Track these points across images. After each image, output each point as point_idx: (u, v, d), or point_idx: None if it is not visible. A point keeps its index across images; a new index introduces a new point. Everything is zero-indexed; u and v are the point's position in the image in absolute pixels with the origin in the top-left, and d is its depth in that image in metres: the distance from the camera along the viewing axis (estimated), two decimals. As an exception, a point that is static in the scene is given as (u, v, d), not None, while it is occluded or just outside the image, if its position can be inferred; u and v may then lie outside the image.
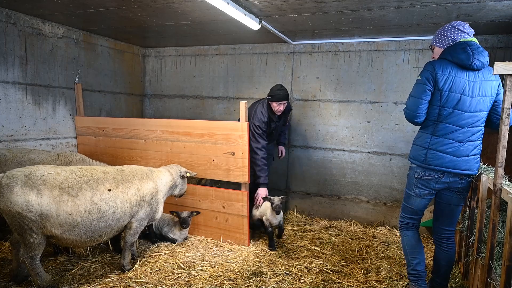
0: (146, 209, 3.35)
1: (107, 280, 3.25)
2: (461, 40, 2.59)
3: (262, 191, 4.31)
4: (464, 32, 2.61)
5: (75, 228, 2.92)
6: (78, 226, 2.92)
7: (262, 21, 4.10)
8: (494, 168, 2.32)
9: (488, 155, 3.84)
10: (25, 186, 2.77)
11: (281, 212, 4.11)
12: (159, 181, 3.50)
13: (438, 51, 2.72)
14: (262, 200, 4.25)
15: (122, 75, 5.87)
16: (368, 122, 5.02)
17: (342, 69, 5.11)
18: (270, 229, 4.13)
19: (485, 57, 2.53)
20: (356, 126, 5.08)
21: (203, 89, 6.01)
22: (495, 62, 2.17)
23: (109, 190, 3.09)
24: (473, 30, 2.67)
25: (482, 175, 2.64)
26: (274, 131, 4.56)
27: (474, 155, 2.60)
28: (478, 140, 2.61)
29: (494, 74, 2.18)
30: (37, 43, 4.48)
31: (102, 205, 3.02)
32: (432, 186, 2.65)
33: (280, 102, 4.29)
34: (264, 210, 4.24)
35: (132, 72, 6.11)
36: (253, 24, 3.99)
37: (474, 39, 2.61)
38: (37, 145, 4.53)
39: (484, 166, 2.94)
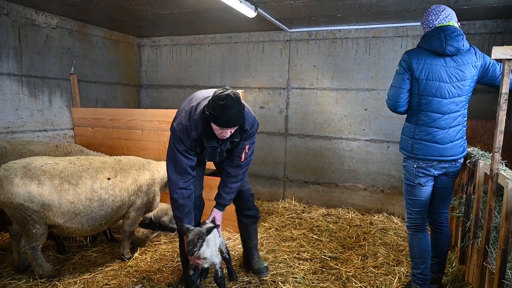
0: (143, 199, 3.37)
1: (108, 268, 3.28)
2: (437, 25, 2.54)
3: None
4: (445, 16, 2.54)
5: (77, 216, 2.94)
6: (80, 214, 2.95)
7: (258, 9, 4.06)
8: (491, 154, 2.32)
9: (485, 141, 3.86)
10: (25, 177, 2.78)
11: (211, 251, 2.61)
12: (156, 173, 3.50)
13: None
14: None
15: (117, 66, 5.82)
16: (366, 110, 5.01)
17: (339, 57, 5.08)
18: (191, 271, 2.71)
19: (459, 42, 2.46)
20: (354, 114, 5.07)
21: (200, 78, 5.97)
22: (493, 47, 2.16)
23: (108, 179, 3.11)
24: (454, 14, 2.59)
25: (479, 160, 2.65)
26: (211, 157, 2.78)
27: (458, 139, 2.60)
28: (460, 125, 2.60)
29: (493, 59, 2.17)
30: (31, 33, 4.42)
31: (102, 194, 3.04)
32: (432, 173, 2.65)
33: (223, 128, 2.43)
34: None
35: (128, 63, 6.05)
36: (248, 11, 3.94)
37: (452, 23, 2.54)
38: (34, 137, 4.52)
39: (482, 152, 2.95)
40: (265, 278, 3.15)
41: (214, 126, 2.44)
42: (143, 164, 3.45)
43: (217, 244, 2.73)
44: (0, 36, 4.09)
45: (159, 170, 3.54)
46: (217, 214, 2.87)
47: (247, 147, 2.78)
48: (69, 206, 2.89)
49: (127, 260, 3.43)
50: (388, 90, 2.72)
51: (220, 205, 2.87)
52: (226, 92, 2.37)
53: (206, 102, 2.52)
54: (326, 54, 5.14)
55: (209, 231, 2.51)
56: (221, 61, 5.78)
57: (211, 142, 2.59)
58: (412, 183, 2.70)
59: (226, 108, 2.33)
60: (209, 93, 2.65)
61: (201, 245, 2.47)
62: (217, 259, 2.70)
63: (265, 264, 3.23)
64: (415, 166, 2.65)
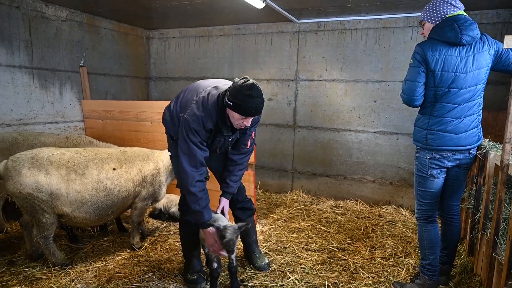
0: (149, 189, 3.41)
1: (119, 257, 3.35)
2: (448, 15, 2.51)
3: (208, 238, 2.61)
4: (455, 6, 2.51)
5: (84, 205, 3.01)
6: (87, 204, 3.01)
7: (267, -1, 4.04)
8: (501, 145, 2.30)
9: (496, 133, 3.80)
10: (32, 167, 2.84)
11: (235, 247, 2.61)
12: (160, 162, 3.51)
13: (429, 27, 2.62)
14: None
15: (126, 58, 5.86)
16: (375, 101, 4.97)
17: (348, 48, 5.03)
18: (215, 265, 2.73)
19: (474, 31, 2.44)
20: (363, 106, 5.04)
21: (208, 70, 5.97)
22: (506, 36, 2.12)
23: (114, 169, 3.17)
24: (462, 4, 2.56)
25: (490, 152, 2.62)
26: (222, 147, 2.75)
27: (473, 128, 2.59)
28: (475, 114, 2.59)
29: (505, 48, 2.14)
30: (41, 26, 4.47)
31: (108, 184, 3.10)
32: (446, 165, 2.63)
33: (247, 118, 2.45)
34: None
35: (137, 55, 6.09)
36: (257, 2, 3.92)
37: (462, 12, 2.51)
38: (45, 129, 4.59)
39: (492, 143, 2.92)
40: (274, 267, 3.18)
41: (235, 116, 2.41)
42: (147, 155, 3.48)
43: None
44: (11, 29, 4.14)
45: (162, 159, 3.54)
46: (226, 203, 2.93)
47: (253, 133, 2.86)
48: (76, 195, 2.95)
49: (137, 250, 3.49)
50: (402, 84, 2.67)
51: (228, 194, 2.90)
52: (250, 81, 2.36)
53: (217, 91, 2.51)
54: (335, 45, 5.10)
55: (240, 228, 2.57)
56: (229, 53, 5.77)
57: (226, 132, 2.58)
58: (425, 174, 2.68)
59: (252, 98, 2.34)
60: (214, 82, 2.63)
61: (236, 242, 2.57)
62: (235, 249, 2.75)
63: (267, 261, 3.20)
64: (428, 157, 2.63)
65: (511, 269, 1.92)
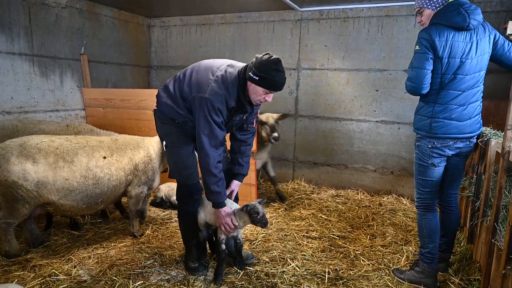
0: (141, 177, 3.38)
1: (121, 244, 3.37)
2: (450, 0, 2.47)
3: (222, 217, 2.65)
4: None
5: (72, 193, 2.99)
6: (75, 191, 3.00)
7: (268, -14, 3.99)
8: (503, 133, 2.29)
9: (497, 122, 3.79)
10: (21, 155, 2.83)
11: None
12: (151, 148, 3.46)
13: (429, 13, 2.56)
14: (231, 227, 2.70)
15: (127, 46, 5.83)
16: (377, 90, 4.95)
17: (351, 37, 4.99)
18: (223, 246, 2.79)
19: (479, 15, 2.42)
20: (364, 95, 5.02)
21: (209, 59, 5.92)
22: (510, 22, 2.11)
23: (104, 157, 3.16)
24: None
25: (491, 139, 2.62)
26: (235, 126, 2.77)
27: (476, 115, 2.59)
28: (478, 101, 2.58)
29: (508, 34, 2.12)
30: (41, 13, 4.43)
31: (97, 172, 3.09)
32: (447, 153, 2.62)
33: (273, 92, 2.50)
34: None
35: (137, 43, 6.05)
36: (259, -11, 3.88)
37: None
38: (46, 117, 4.59)
39: (494, 131, 2.91)
40: (274, 254, 3.21)
41: (259, 90, 2.45)
42: (138, 142, 3.45)
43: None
44: (10, 15, 4.11)
45: (153, 145, 3.48)
46: (237, 186, 2.93)
47: (258, 112, 2.92)
48: (63, 183, 2.93)
49: (138, 237, 3.52)
50: (408, 72, 2.58)
51: (241, 175, 2.91)
52: (275, 57, 2.40)
53: (234, 69, 2.53)
54: (337, 34, 5.05)
55: (261, 202, 2.68)
56: (231, 41, 5.73)
57: (248, 109, 2.61)
58: (425, 163, 2.65)
59: (279, 72, 2.40)
60: (225, 61, 2.61)
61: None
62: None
63: (250, 252, 3.16)
64: (429, 146, 2.60)
65: (510, 254, 1.93)
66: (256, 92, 2.47)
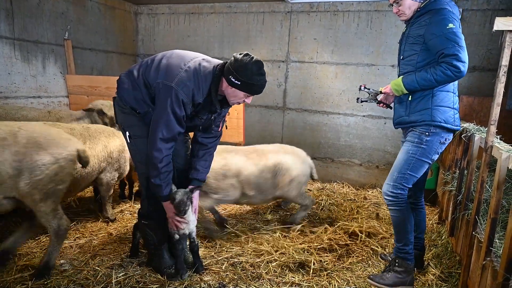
0: (114, 165, 3.46)
1: (103, 234, 3.33)
2: None
3: (167, 211, 2.53)
4: None
5: None
6: None
7: (259, -24, 3.94)
8: (486, 129, 2.34)
9: (481, 118, 3.87)
10: None
11: (192, 215, 2.62)
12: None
13: (411, 4, 2.45)
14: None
15: (113, 33, 5.69)
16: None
17: (340, 30, 4.99)
18: (176, 236, 2.65)
19: None
20: (352, 89, 5.04)
21: (198, 49, 5.84)
22: (496, 18, 2.12)
23: None
24: None
25: (474, 134, 2.66)
26: (199, 126, 2.57)
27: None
28: None
29: (494, 30, 2.14)
30: (23, -5, 4.28)
31: None
32: (441, 150, 2.53)
33: (251, 96, 2.42)
34: None
35: (124, 31, 5.92)
36: (249, -22, 3.83)
37: None
38: (28, 103, 4.46)
39: (477, 127, 2.97)
40: (259, 245, 3.21)
41: (240, 94, 2.33)
42: (113, 131, 3.54)
43: (193, 216, 2.68)
44: (-9, -3, 3.96)
45: None
46: (196, 196, 2.68)
47: (227, 115, 2.74)
48: None
49: (112, 222, 3.58)
50: (460, 52, 2.26)
51: (198, 181, 2.63)
52: (256, 58, 2.27)
53: (210, 64, 2.38)
54: (327, 27, 5.05)
55: (191, 191, 2.51)
56: (220, 32, 5.66)
57: (213, 109, 2.44)
58: (427, 159, 2.48)
59: (262, 76, 2.29)
60: (199, 55, 2.47)
61: (189, 205, 2.51)
62: (194, 226, 2.70)
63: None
64: (441, 141, 2.45)
65: (490, 246, 1.98)
66: (236, 95, 2.36)
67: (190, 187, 2.57)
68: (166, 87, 2.27)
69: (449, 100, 2.43)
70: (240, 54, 2.32)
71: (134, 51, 6.20)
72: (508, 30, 2.09)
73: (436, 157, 2.51)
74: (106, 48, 5.58)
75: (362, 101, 2.85)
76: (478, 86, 4.45)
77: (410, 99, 2.50)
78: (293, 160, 3.48)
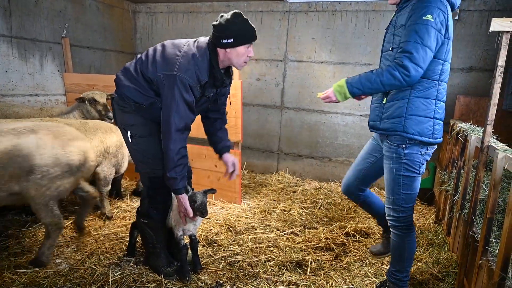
0: (111, 160, 3.53)
1: (100, 232, 3.33)
2: None
3: (180, 204, 2.44)
4: None
5: None
6: None
7: (258, -25, 3.94)
8: (482, 129, 2.35)
9: (477, 118, 3.89)
10: None
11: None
12: None
13: None
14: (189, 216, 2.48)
15: (111, 32, 5.68)
16: (362, 85, 4.98)
17: (338, 30, 5.00)
18: (182, 242, 2.68)
19: None
20: (350, 89, 5.04)
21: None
22: (493, 19, 2.13)
23: None
24: None
25: (471, 134, 2.68)
26: (206, 105, 2.58)
27: None
28: None
29: (491, 31, 2.15)
30: (21, -7, 4.26)
31: None
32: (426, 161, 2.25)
33: (251, 44, 2.37)
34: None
35: (122, 29, 5.90)
36: (248, -23, 3.83)
37: None
38: (25, 101, 4.44)
39: (474, 127, 2.98)
40: (257, 244, 3.21)
41: (241, 50, 2.30)
42: (110, 127, 3.59)
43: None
44: (-12, -6, 3.94)
45: None
46: (232, 156, 2.75)
47: (229, 93, 2.78)
48: None
49: (108, 219, 3.59)
50: (416, 49, 1.93)
51: (228, 148, 2.76)
52: (231, 12, 2.30)
53: (202, 41, 2.38)
54: (325, 27, 5.05)
55: (206, 192, 2.52)
56: (217, 31, 5.65)
57: (217, 83, 2.44)
58: (415, 173, 2.20)
59: (246, 21, 2.29)
60: (188, 39, 2.45)
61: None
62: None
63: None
64: (422, 152, 2.16)
65: (486, 245, 1.99)
66: (238, 53, 2.32)
67: (204, 190, 2.54)
68: (169, 77, 2.25)
69: (429, 108, 2.08)
70: (215, 20, 2.33)
71: (132, 50, 6.19)
72: (505, 31, 2.10)
73: (423, 168, 2.22)
74: (104, 47, 5.56)
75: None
76: (475, 86, 4.47)
77: (384, 102, 2.21)
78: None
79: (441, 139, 2.21)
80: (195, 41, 2.41)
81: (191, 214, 2.44)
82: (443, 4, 1.96)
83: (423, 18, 1.91)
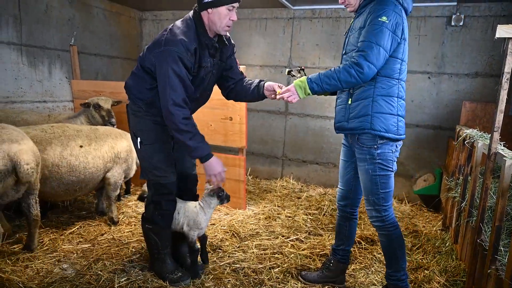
0: (122, 165, 3.59)
1: (107, 238, 3.34)
2: None
3: (215, 167, 2.43)
4: None
5: (46, 181, 3.05)
6: (48, 179, 3.06)
7: (263, -17, 3.98)
8: (489, 135, 2.33)
9: (484, 124, 3.86)
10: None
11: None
12: None
13: None
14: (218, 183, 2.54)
15: (118, 39, 5.75)
16: (367, 91, 4.98)
17: (342, 36, 5.00)
18: (196, 246, 2.77)
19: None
20: (355, 95, 5.05)
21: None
22: (498, 25, 2.13)
23: (81, 146, 3.24)
24: None
25: (478, 141, 2.66)
26: (205, 78, 2.50)
27: None
28: None
29: (496, 38, 2.15)
30: (31, 2, 4.34)
31: (72, 160, 3.15)
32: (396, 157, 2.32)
33: (234, 5, 2.30)
34: (192, 213, 2.72)
35: (129, 36, 5.97)
36: (253, -15, 3.87)
37: None
38: (34, 108, 4.50)
39: (480, 133, 2.96)
40: (262, 251, 3.21)
41: (223, 12, 2.25)
42: (120, 134, 3.67)
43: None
44: (-1, 3, 4.02)
45: None
46: (271, 82, 2.61)
47: (237, 61, 2.77)
48: None
49: (116, 223, 3.63)
50: (370, 48, 2.05)
51: (261, 80, 2.64)
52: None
53: (185, 17, 2.38)
54: (329, 33, 5.07)
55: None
56: (223, 38, 5.70)
57: (211, 51, 2.40)
58: (389, 171, 2.27)
59: None
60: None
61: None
62: None
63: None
64: (393, 150, 2.26)
65: (494, 254, 1.97)
66: (220, 15, 2.27)
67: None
68: (158, 54, 2.28)
69: (392, 105, 2.20)
70: None
71: (138, 56, 6.24)
72: (510, 38, 2.10)
73: (395, 164, 2.30)
74: (111, 54, 5.63)
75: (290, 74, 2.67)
76: (481, 91, 4.45)
77: (350, 102, 2.28)
78: None
79: (404, 135, 2.29)
80: (178, 19, 2.43)
81: (224, 177, 2.47)
82: (397, 7, 2.09)
83: (379, 19, 2.04)
